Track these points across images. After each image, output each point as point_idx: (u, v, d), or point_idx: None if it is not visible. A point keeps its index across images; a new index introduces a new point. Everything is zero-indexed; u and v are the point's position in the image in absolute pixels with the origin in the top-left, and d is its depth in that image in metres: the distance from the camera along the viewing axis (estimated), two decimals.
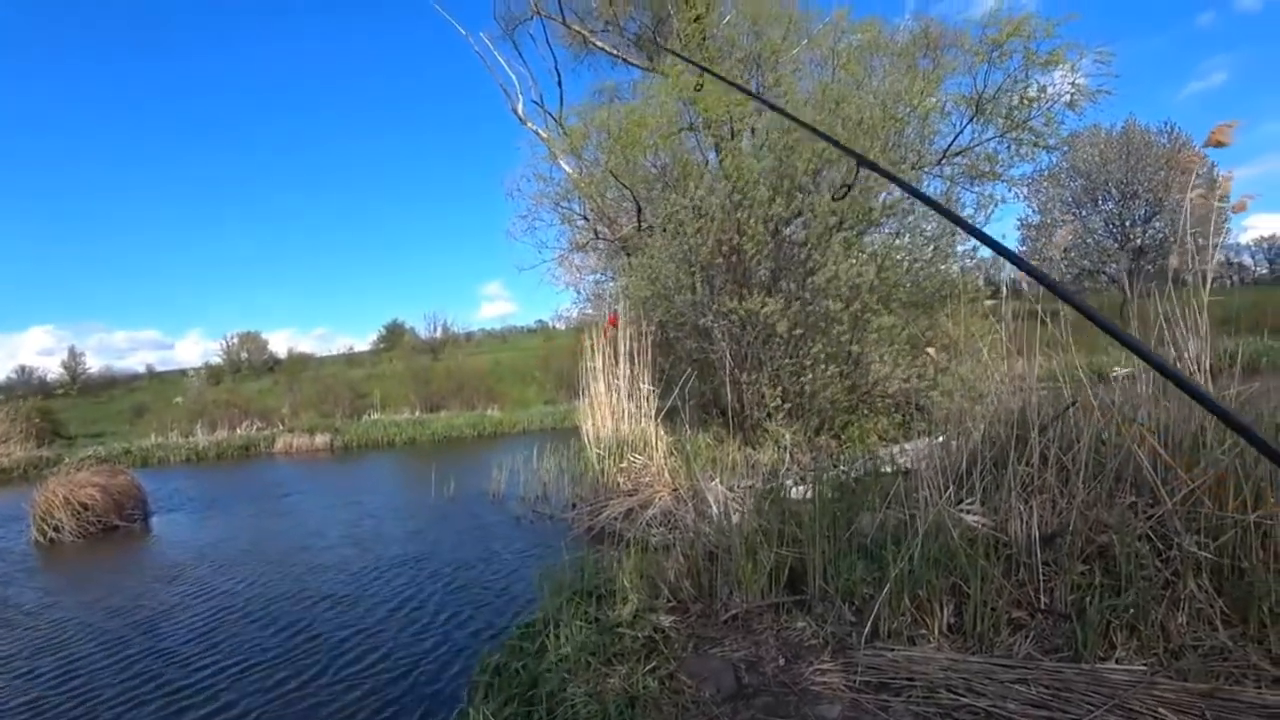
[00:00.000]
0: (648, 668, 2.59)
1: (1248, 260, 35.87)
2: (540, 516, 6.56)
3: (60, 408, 23.56)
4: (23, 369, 29.52)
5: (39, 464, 14.94)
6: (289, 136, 65.71)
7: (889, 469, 4.73)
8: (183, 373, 29.78)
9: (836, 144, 1.11)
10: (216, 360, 29.51)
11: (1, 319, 48.65)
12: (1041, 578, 2.79)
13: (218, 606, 4.71)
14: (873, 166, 1.06)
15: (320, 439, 17.52)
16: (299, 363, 29.41)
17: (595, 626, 3.03)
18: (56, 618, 4.73)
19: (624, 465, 5.95)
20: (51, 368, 30.42)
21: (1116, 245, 26.53)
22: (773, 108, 1.09)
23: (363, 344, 34.11)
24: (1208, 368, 3.30)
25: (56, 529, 7.28)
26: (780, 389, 6.23)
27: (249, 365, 29.18)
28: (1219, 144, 2.62)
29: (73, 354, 30.88)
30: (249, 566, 5.75)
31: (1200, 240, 3.62)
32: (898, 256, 6.59)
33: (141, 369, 33.21)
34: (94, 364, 31.75)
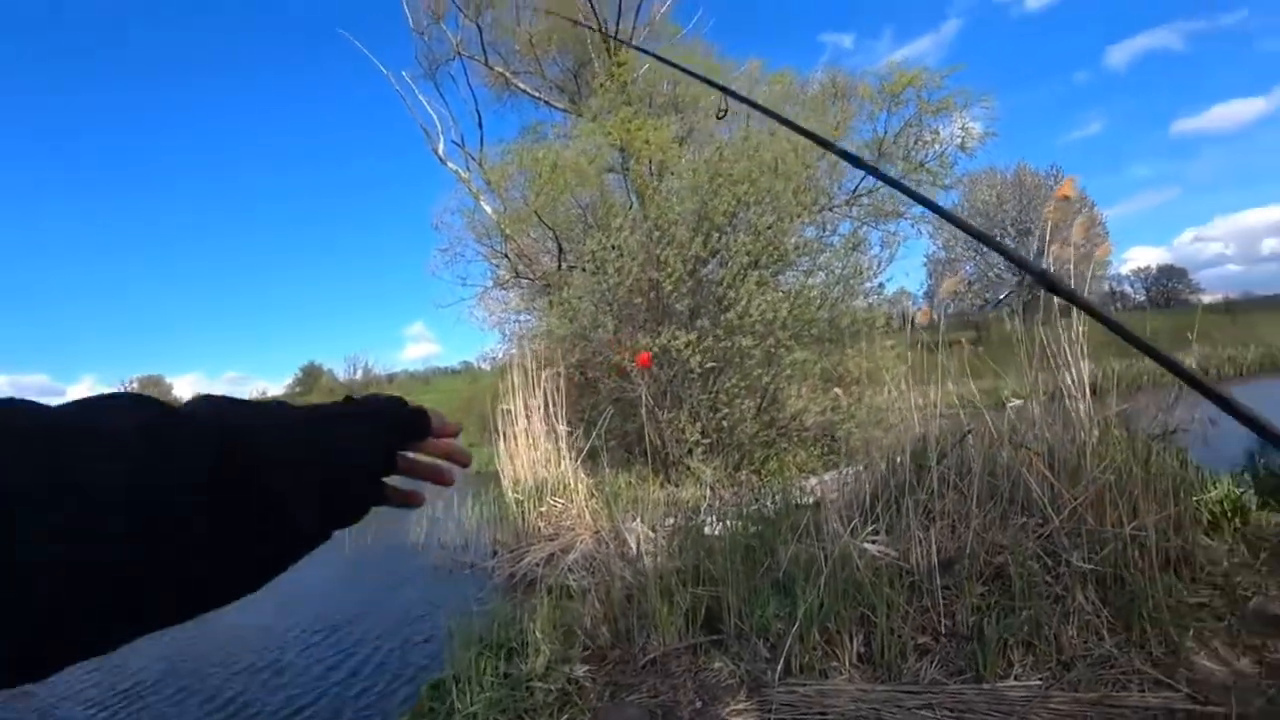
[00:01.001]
0: None
1: (1129, 289, 39.82)
2: (461, 565, 6.32)
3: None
4: None
5: None
6: (201, 172, 63.16)
7: (809, 500, 4.81)
8: None
9: (845, 153, 1.13)
10: None
11: None
12: (943, 602, 2.87)
13: (114, 679, 4.29)
14: (882, 176, 1.08)
15: None
16: None
17: (506, 682, 2.91)
18: None
19: (544, 509, 5.83)
20: None
21: (1015, 279, 28.51)
22: (762, 109, 1.08)
23: (277, 388, 32.56)
24: (1087, 388, 3.54)
25: None
26: (699, 425, 6.29)
27: None
28: (1065, 197, 2.87)
29: None
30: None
31: (1079, 272, 3.95)
32: (810, 294, 6.84)
33: None
34: None
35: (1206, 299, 34.93)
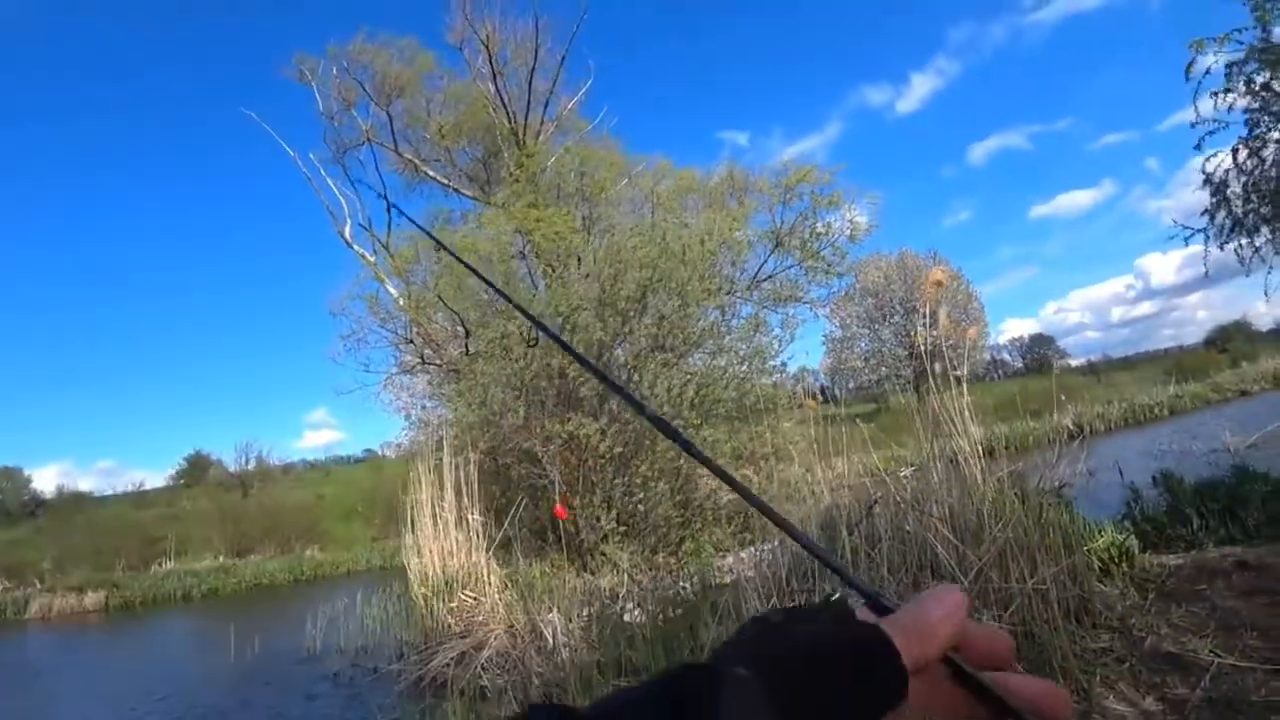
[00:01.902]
0: None
1: (1007, 357, 43.92)
2: (362, 670, 5.83)
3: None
4: None
5: None
6: (81, 242, 58.84)
7: (726, 580, 4.79)
8: None
9: (602, 375, 1.17)
10: None
11: None
12: None
13: None
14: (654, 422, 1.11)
15: (92, 598, 14.60)
16: (71, 504, 24.53)
17: None
18: None
19: (454, 605, 5.50)
20: None
21: (905, 353, 30.57)
22: (548, 332, 1.11)
23: (158, 479, 29.54)
24: (980, 450, 3.77)
25: None
26: (614, 511, 6.22)
27: (2, 508, 23.96)
28: (938, 283, 3.16)
29: None
30: None
31: (956, 350, 4.28)
32: (717, 375, 7.07)
33: None
34: None
35: (1073, 363, 39.12)
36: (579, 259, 8.29)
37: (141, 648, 10.22)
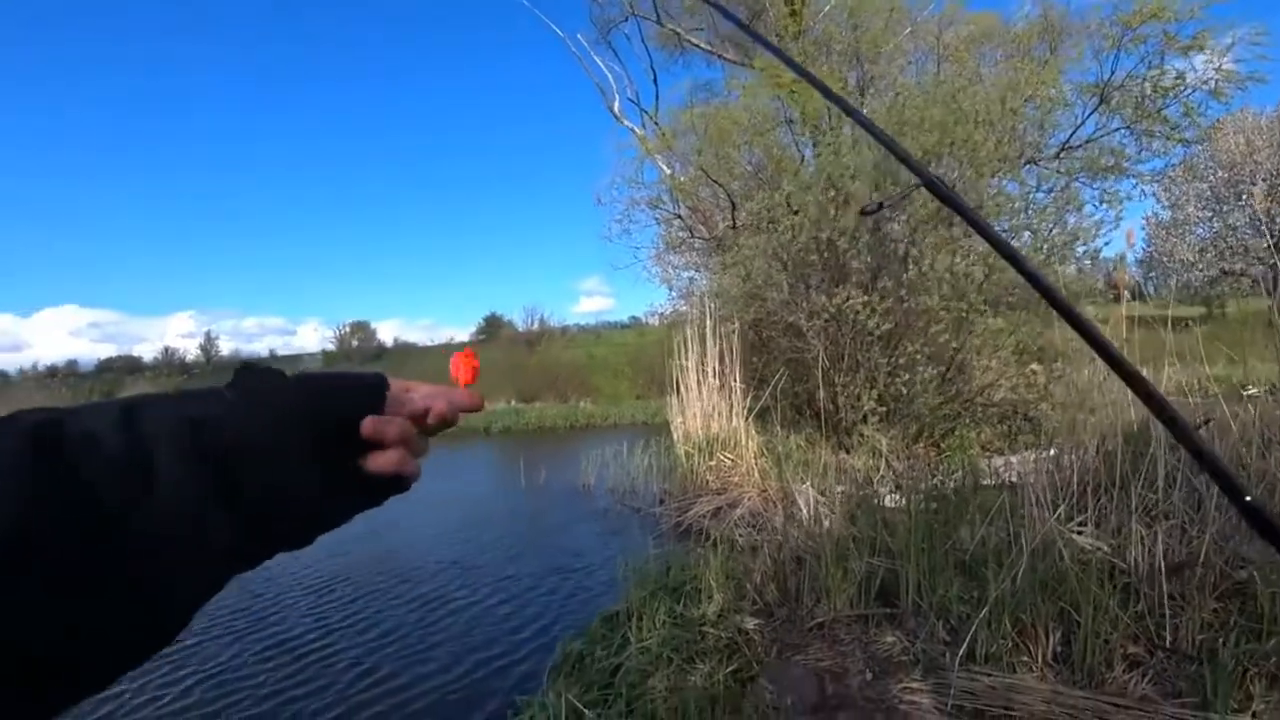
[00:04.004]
0: (729, 669, 2.57)
1: None
2: (628, 510, 6.63)
3: (196, 386, 25.83)
4: (167, 350, 32.66)
5: None
6: (405, 139, 69.24)
7: (990, 482, 4.48)
8: (298, 358, 32.14)
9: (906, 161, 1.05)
10: (330, 347, 31.63)
11: (151, 305, 54.43)
12: (1165, 612, 2.55)
13: (328, 574, 5.10)
14: (937, 191, 0.98)
15: None
16: (403, 351, 30.95)
17: (678, 623, 3.04)
18: None
19: (713, 463, 5.93)
20: (190, 349, 33.45)
21: (1269, 243, 23.77)
22: (849, 110, 1.02)
23: (463, 334, 35.42)
24: None
25: None
26: (876, 392, 6.00)
27: (358, 352, 31.03)
28: None
29: (208, 338, 34.12)
30: (355, 543, 6.16)
31: None
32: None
33: (265, 353, 35.88)
34: (226, 347, 34.80)
35: None
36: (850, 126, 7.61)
37: (460, 465, 12.76)
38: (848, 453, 5.67)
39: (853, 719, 2.33)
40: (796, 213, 6.25)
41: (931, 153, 6.37)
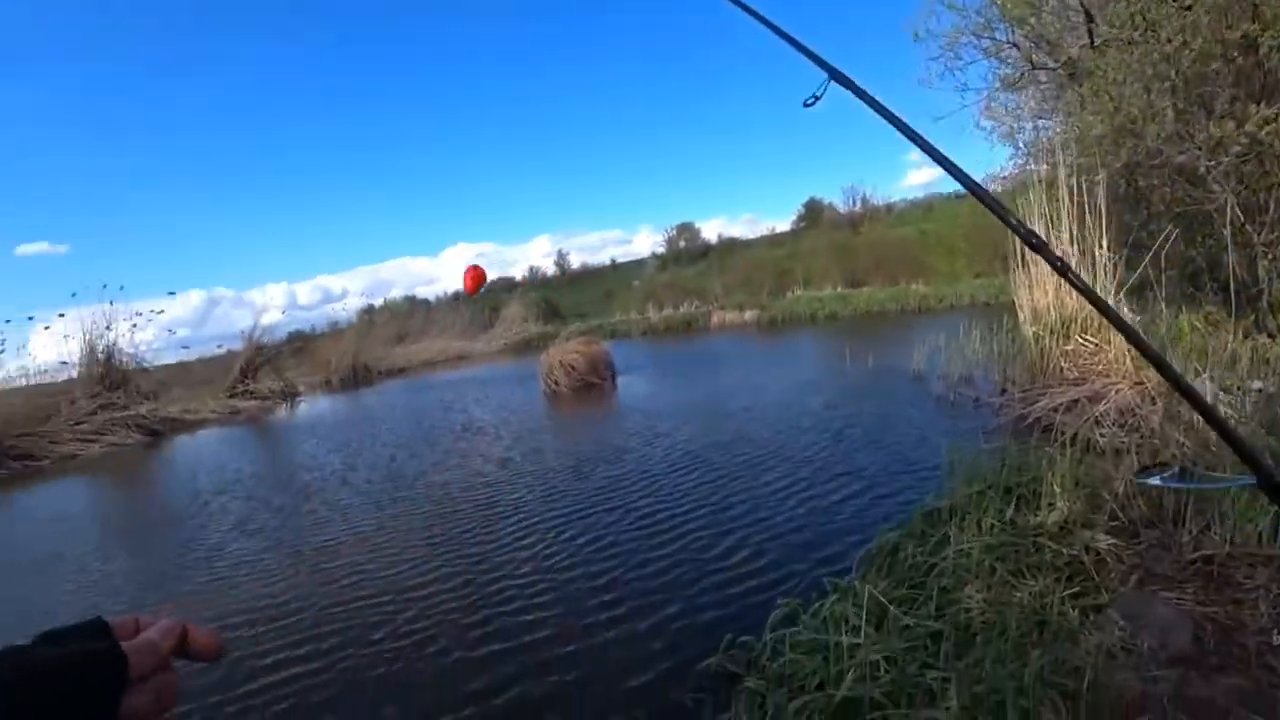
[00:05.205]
0: (1068, 592, 2.18)
1: None
2: (962, 399, 6.05)
3: (555, 296, 30.66)
4: (531, 269, 39.08)
5: (544, 337, 19.77)
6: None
7: None
8: (638, 263, 35.57)
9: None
10: (661, 250, 34.05)
11: (517, 232, 67.08)
12: None
13: (666, 446, 5.78)
14: None
15: (749, 314, 19.21)
16: (727, 248, 31.83)
17: (1009, 529, 2.69)
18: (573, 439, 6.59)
19: (1069, 348, 4.95)
20: (548, 266, 39.50)
21: None
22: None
23: (784, 224, 34.83)
24: None
25: (556, 383, 9.95)
26: None
27: (686, 253, 32.83)
28: None
29: (561, 254, 39.83)
30: (690, 419, 6.81)
31: None
32: None
33: (608, 262, 40.33)
34: (576, 260, 40.16)
35: None
36: None
37: (786, 351, 13.01)
38: (1270, 338, 4.15)
39: (1239, 689, 1.75)
40: (1189, 7, 4.44)
41: None
